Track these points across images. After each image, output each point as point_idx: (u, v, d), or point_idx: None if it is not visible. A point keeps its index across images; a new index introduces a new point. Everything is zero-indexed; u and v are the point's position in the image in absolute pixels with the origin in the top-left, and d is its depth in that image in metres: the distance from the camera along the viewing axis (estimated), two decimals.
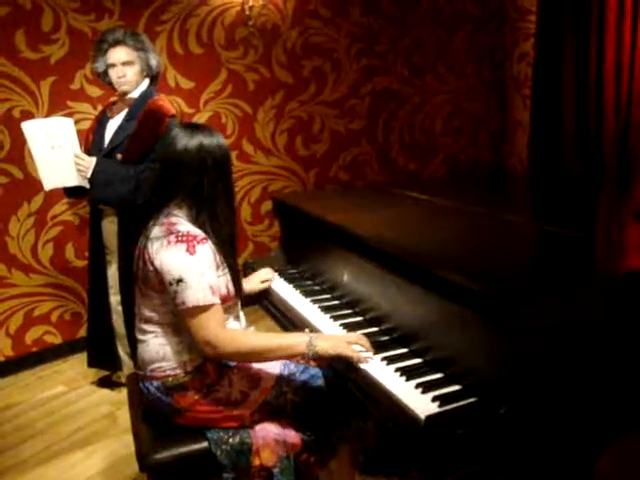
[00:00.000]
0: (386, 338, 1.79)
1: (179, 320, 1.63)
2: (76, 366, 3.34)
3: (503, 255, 1.68)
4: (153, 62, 2.68)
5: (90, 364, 3.03)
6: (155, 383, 1.69)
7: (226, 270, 1.68)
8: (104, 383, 3.13)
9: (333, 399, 1.79)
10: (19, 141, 3.00)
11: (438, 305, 1.54)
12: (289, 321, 2.10)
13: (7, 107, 3.11)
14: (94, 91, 3.31)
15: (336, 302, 2.10)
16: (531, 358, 1.28)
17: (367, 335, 1.78)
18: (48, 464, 2.51)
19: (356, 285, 2.01)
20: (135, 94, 2.66)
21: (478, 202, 2.30)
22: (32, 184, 3.15)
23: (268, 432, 1.69)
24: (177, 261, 1.56)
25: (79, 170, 2.55)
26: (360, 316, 1.96)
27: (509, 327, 1.29)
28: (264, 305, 2.33)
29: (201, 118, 3.75)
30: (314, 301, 2.13)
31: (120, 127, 2.64)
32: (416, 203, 2.39)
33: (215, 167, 1.65)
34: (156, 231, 1.63)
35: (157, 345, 1.68)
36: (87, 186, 2.59)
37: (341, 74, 4.17)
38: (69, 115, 3.25)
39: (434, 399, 1.42)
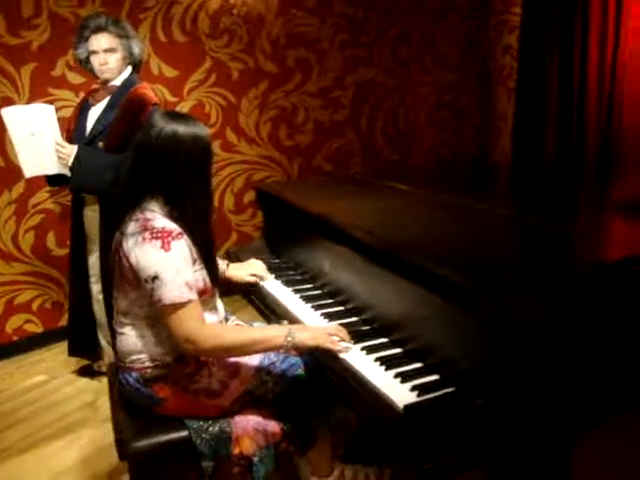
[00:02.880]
0: (366, 328, 1.80)
1: (156, 313, 1.62)
2: (57, 355, 3.32)
3: (483, 246, 1.68)
4: (136, 50, 2.66)
5: (71, 353, 3.02)
6: (134, 374, 1.69)
7: (203, 264, 1.67)
8: (85, 372, 3.12)
9: (313, 388, 1.80)
10: None
11: (417, 295, 1.56)
12: (271, 311, 2.11)
13: None
14: (76, 78, 3.28)
15: (318, 292, 2.11)
16: (509, 349, 1.30)
17: (348, 325, 1.80)
18: (28, 453, 2.50)
19: (337, 275, 2.02)
20: (117, 82, 2.64)
21: (460, 193, 2.31)
22: (13, 171, 3.11)
23: (248, 421, 1.70)
24: (152, 258, 1.54)
25: (60, 158, 2.52)
26: (341, 306, 1.97)
27: (487, 318, 1.30)
28: (246, 294, 2.33)
29: (184, 107, 3.72)
30: (295, 291, 2.14)
31: (102, 115, 2.62)
32: (398, 193, 2.39)
33: (189, 158, 1.61)
34: (131, 227, 1.60)
35: (135, 337, 1.68)
36: (68, 174, 2.57)
37: (326, 64, 4.15)
38: (50, 102, 3.19)
39: (413, 388, 1.43)
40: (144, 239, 1.55)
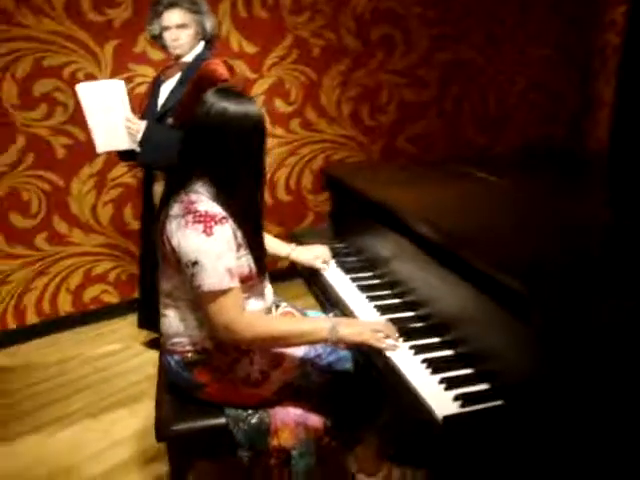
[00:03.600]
0: (420, 325, 1.68)
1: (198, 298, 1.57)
2: (131, 326, 3.41)
3: (556, 250, 1.47)
4: (208, 25, 2.62)
5: (140, 325, 3.09)
6: (176, 357, 1.66)
7: (248, 250, 1.61)
8: (154, 344, 3.18)
9: (362, 384, 1.72)
10: None
11: (474, 296, 1.42)
12: (326, 298, 2.03)
13: (72, 69, 3.14)
14: (156, 54, 3.30)
15: (376, 281, 2.01)
16: (562, 368, 1.14)
17: (400, 320, 1.70)
18: (91, 420, 2.58)
19: (397, 266, 1.91)
20: (189, 58, 2.62)
21: (545, 186, 2.11)
22: (94, 146, 3.19)
23: (289, 413, 1.63)
24: (193, 243, 1.48)
25: (129, 133, 2.55)
26: (398, 298, 1.87)
27: (538, 330, 1.15)
28: (308, 281, 2.26)
29: (264, 84, 3.68)
30: (353, 279, 2.04)
31: (173, 91, 2.61)
32: (478, 183, 2.18)
33: (238, 138, 1.53)
34: (175, 209, 1.55)
35: (177, 320, 1.64)
36: (138, 149, 2.59)
37: (411, 42, 3.97)
38: (130, 78, 3.27)
39: (456, 398, 1.31)
40: (187, 223, 1.50)
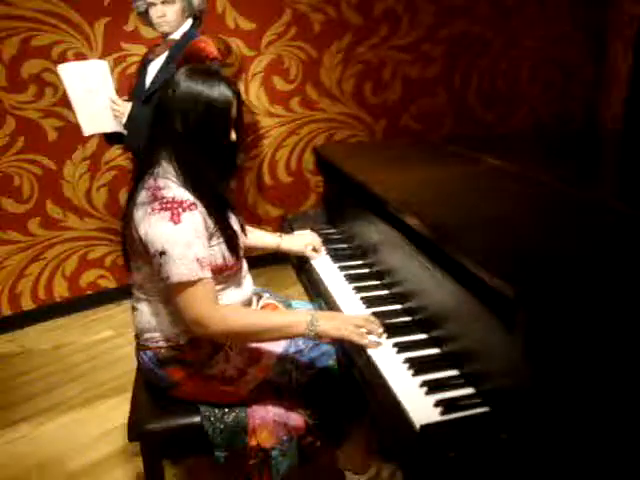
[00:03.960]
0: (407, 319, 1.58)
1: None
2: (128, 311, 3.35)
3: (554, 248, 1.27)
4: (195, 0, 2.51)
5: None
6: (149, 353, 1.59)
7: (222, 238, 1.51)
8: None
9: (346, 380, 1.63)
10: None
11: (459, 294, 1.30)
12: (313, 287, 1.94)
13: (61, 49, 3.05)
14: (149, 32, 3.15)
15: (365, 271, 1.91)
16: (547, 377, 1.04)
17: (386, 314, 1.59)
18: (83, 408, 2.55)
19: (384, 255, 1.81)
20: (176, 35, 2.51)
21: (553, 171, 1.94)
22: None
23: (267, 412, 1.55)
24: (160, 231, 1.40)
25: (115, 115, 2.45)
26: (386, 289, 1.76)
27: (528, 335, 1.05)
28: (299, 269, 2.17)
29: (262, 62, 3.56)
30: (342, 267, 1.95)
31: (160, 70, 2.50)
32: (476, 167, 2.02)
33: (201, 120, 1.45)
34: (142, 195, 1.46)
35: (149, 314, 1.57)
36: (124, 132, 2.49)
37: (416, 15, 3.81)
38: (124, 57, 3.18)
39: (438, 404, 1.22)
40: (153, 210, 1.42)
